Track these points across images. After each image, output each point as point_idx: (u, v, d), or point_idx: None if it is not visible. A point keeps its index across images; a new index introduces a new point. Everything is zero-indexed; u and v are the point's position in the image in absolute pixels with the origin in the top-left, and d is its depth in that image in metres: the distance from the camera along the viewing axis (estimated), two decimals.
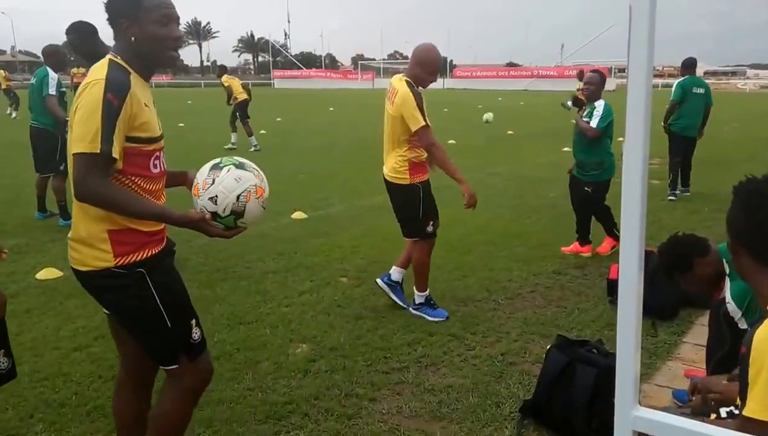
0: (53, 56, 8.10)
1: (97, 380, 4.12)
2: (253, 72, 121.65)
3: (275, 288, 5.87)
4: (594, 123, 6.65)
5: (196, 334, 2.71)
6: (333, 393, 3.93)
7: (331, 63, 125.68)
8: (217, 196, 2.53)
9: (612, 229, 6.95)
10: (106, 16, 2.54)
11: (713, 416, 2.31)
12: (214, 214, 2.55)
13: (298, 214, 8.80)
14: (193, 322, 2.72)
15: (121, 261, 2.48)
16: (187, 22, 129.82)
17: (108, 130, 2.31)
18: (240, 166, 2.62)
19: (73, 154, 2.33)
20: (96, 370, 4.24)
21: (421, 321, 4.94)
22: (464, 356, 4.45)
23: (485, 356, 4.41)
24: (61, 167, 7.99)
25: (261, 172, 2.69)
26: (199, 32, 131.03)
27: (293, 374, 4.19)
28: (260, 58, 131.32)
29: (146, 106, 2.51)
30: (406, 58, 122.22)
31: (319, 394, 3.92)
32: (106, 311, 2.75)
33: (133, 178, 2.49)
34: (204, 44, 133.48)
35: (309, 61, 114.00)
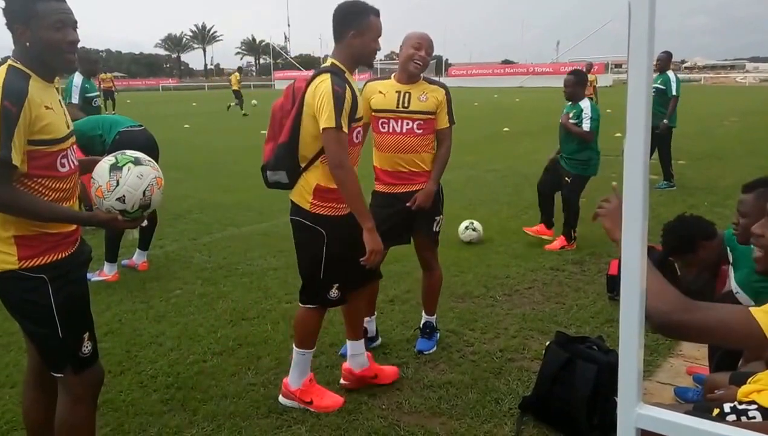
0: (85, 62, 7.92)
1: (105, 374, 4.12)
2: (254, 74, 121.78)
3: (276, 285, 5.90)
4: (586, 126, 6.81)
5: (86, 348, 2.71)
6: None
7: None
8: (124, 196, 2.65)
9: (570, 230, 7.04)
10: (3, 21, 2.54)
11: (716, 411, 2.34)
12: (123, 212, 2.66)
13: None
14: (86, 335, 2.72)
15: (26, 264, 2.50)
16: (192, 28, 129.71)
17: (6, 138, 2.32)
18: (137, 162, 2.72)
19: None
20: (104, 365, 4.18)
21: (419, 317, 4.95)
22: (463, 352, 4.47)
23: (484, 352, 4.44)
24: None
25: (154, 162, 2.79)
26: (204, 36, 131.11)
27: None
28: (262, 61, 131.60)
29: (48, 108, 2.51)
30: None
31: None
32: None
33: (40, 179, 2.51)
34: (207, 48, 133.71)
35: (308, 62, 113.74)
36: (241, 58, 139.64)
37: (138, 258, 6.48)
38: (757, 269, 2.26)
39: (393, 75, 4.39)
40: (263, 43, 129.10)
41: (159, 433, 3.51)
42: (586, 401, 3.35)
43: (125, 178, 2.64)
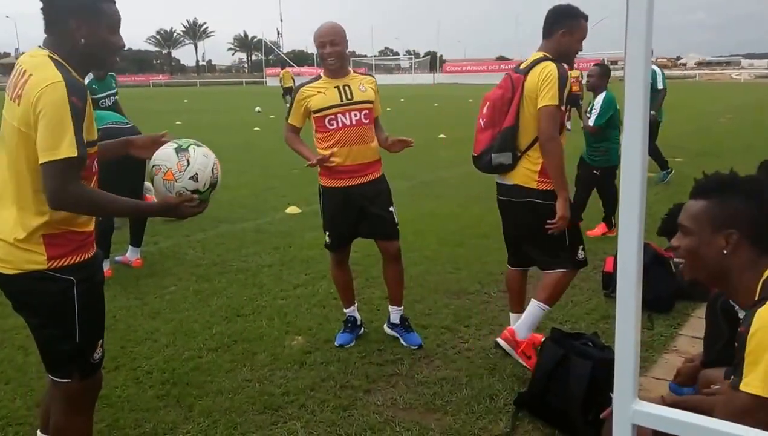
0: None
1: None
2: (246, 70, 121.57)
3: (271, 281, 5.90)
4: (592, 120, 7.11)
5: (97, 355, 2.68)
6: (328, 385, 3.97)
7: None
8: (197, 174, 2.67)
9: (610, 217, 7.35)
10: (43, 6, 2.46)
11: None
12: (195, 191, 2.66)
13: (292, 209, 8.82)
14: (100, 342, 2.69)
15: (54, 264, 2.46)
16: (184, 23, 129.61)
17: (79, 133, 2.30)
18: (197, 144, 2.78)
19: (48, 163, 2.27)
20: None
21: (413, 314, 4.96)
22: (458, 348, 4.48)
23: (479, 348, 4.45)
24: None
25: None
26: (196, 32, 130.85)
27: (289, 365, 4.22)
28: (254, 57, 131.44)
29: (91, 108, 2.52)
30: (396, 54, 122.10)
31: (314, 385, 3.96)
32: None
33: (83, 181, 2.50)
34: (199, 44, 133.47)
35: (301, 58, 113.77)
36: (233, 54, 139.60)
37: (131, 255, 6.46)
38: (686, 279, 2.30)
39: (321, 73, 4.45)
40: (255, 40, 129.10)
41: (154, 429, 3.51)
42: (581, 397, 3.36)
43: (194, 158, 2.68)
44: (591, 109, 7.21)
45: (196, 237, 7.39)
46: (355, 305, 4.75)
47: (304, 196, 9.62)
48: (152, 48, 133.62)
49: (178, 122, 23.16)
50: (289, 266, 6.35)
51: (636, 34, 0.89)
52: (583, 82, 19.56)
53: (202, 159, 2.71)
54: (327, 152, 4.32)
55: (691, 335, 4.56)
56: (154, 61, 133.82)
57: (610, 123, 7.04)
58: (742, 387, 1.84)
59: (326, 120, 4.32)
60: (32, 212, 2.42)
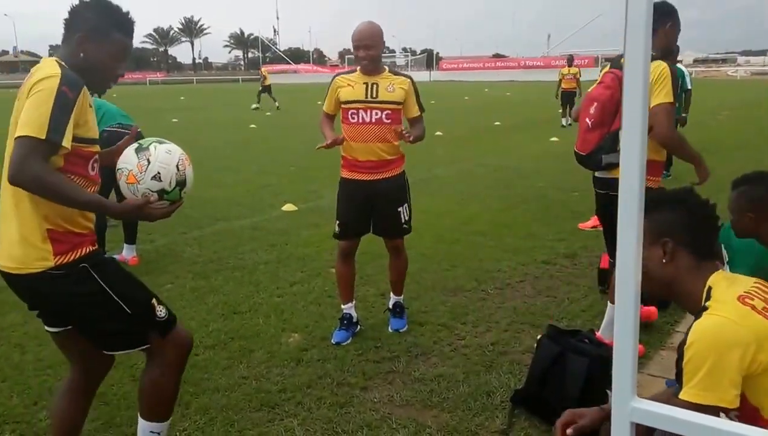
0: None
1: None
2: (243, 68, 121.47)
3: (267, 279, 5.90)
4: None
5: (161, 312, 2.67)
6: (325, 382, 3.97)
7: (319, 58, 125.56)
8: (159, 172, 2.56)
9: None
10: (66, 16, 2.58)
11: None
12: (161, 192, 2.58)
13: (288, 207, 8.82)
14: (154, 301, 2.68)
15: (62, 260, 2.46)
16: (181, 20, 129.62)
17: (59, 120, 2.32)
18: (160, 141, 2.69)
19: (17, 138, 2.30)
20: None
21: (410, 311, 4.97)
22: (454, 345, 4.48)
23: (475, 345, 4.45)
24: None
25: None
26: (192, 30, 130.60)
27: (286, 362, 4.22)
28: (250, 54, 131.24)
29: (90, 106, 2.54)
30: (392, 51, 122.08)
31: (311, 383, 3.96)
32: (42, 318, 2.72)
33: (71, 176, 2.49)
34: (196, 41, 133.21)
35: (297, 56, 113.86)
36: (230, 52, 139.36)
37: (127, 253, 6.45)
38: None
39: (358, 68, 4.52)
40: (252, 37, 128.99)
41: None
42: (578, 394, 3.36)
43: (155, 156, 2.58)
44: None
45: (193, 234, 7.38)
46: (353, 302, 4.75)
47: (301, 193, 9.62)
48: (149, 46, 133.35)
49: (174, 120, 23.15)
50: (285, 264, 6.35)
51: (635, 31, 0.89)
52: (581, 78, 19.73)
53: (164, 156, 2.61)
54: (349, 145, 4.48)
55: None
56: (151, 59, 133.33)
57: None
58: (682, 396, 1.93)
59: (349, 113, 4.46)
60: (35, 209, 2.43)
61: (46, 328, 2.76)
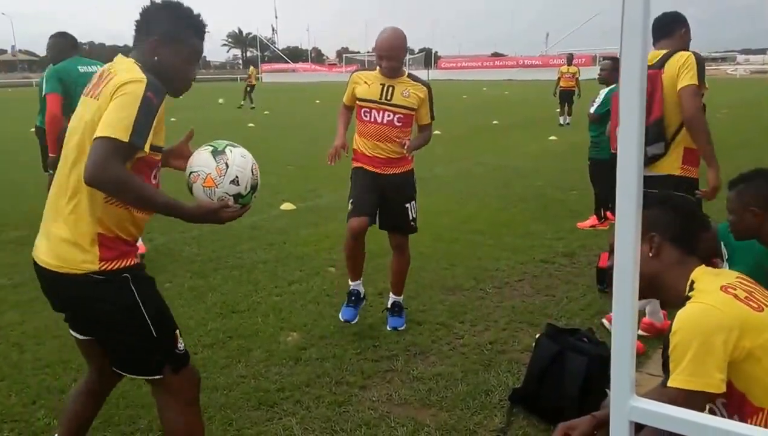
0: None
1: None
2: (241, 67, 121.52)
3: (266, 278, 5.90)
4: (593, 108, 7.36)
5: (181, 345, 2.64)
6: (324, 381, 3.97)
7: (317, 57, 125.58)
8: (237, 176, 2.57)
9: (599, 209, 7.50)
10: (138, 17, 2.58)
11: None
12: (237, 196, 2.58)
13: (287, 206, 8.82)
14: (177, 332, 2.65)
15: (106, 266, 2.43)
16: None
17: (143, 125, 2.29)
18: (233, 145, 2.68)
19: (98, 138, 2.26)
20: None
21: (408, 310, 4.97)
22: (453, 344, 4.48)
23: (474, 344, 4.45)
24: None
25: None
26: None
27: (285, 361, 4.22)
28: (248, 53, 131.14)
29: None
30: None
31: (310, 381, 3.96)
32: (69, 322, 2.70)
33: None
34: None
35: (295, 55, 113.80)
36: (228, 51, 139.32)
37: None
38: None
39: (378, 68, 4.58)
40: (250, 36, 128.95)
41: (149, 425, 3.50)
42: (577, 393, 3.37)
43: (232, 159, 2.58)
44: (596, 98, 7.39)
45: (191, 233, 7.37)
46: (361, 279, 4.84)
47: (300, 193, 9.62)
48: None
49: (173, 119, 22.96)
50: (284, 263, 6.35)
51: (632, 30, 0.89)
52: (579, 77, 19.74)
53: (240, 160, 2.61)
54: (360, 140, 4.65)
55: None
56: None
57: (608, 116, 7.09)
58: (669, 383, 1.97)
59: (362, 111, 4.59)
60: (91, 211, 2.41)
61: (72, 332, 2.74)
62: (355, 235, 4.60)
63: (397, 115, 4.50)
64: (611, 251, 4.49)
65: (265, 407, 3.68)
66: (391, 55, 4.42)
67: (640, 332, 4.39)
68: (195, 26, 2.63)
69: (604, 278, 5.32)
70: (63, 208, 2.44)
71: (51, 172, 7.89)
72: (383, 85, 4.50)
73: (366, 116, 4.57)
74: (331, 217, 8.14)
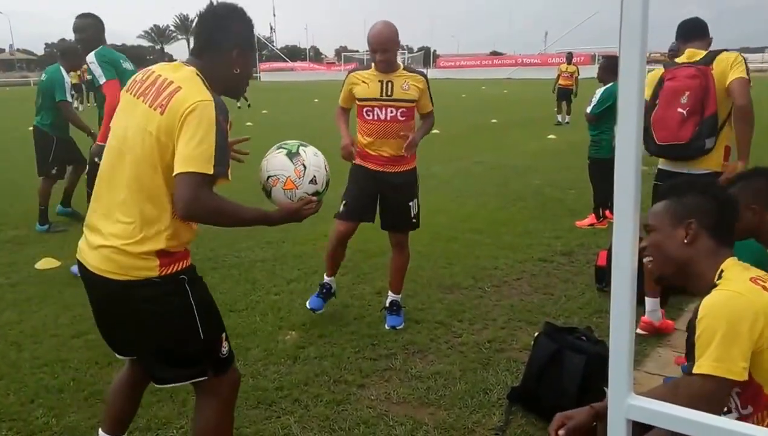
0: (70, 56, 7.71)
1: (93, 366, 4.17)
2: None
3: (264, 277, 5.90)
4: (589, 108, 7.37)
5: (224, 348, 2.65)
6: (322, 379, 3.97)
7: (316, 55, 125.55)
8: (315, 176, 2.67)
9: (598, 208, 7.50)
10: (205, 28, 2.53)
11: None
12: (315, 193, 2.67)
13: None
14: (223, 336, 2.66)
15: (165, 271, 2.43)
16: (176, 17, 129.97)
17: (222, 152, 2.31)
18: (303, 144, 2.77)
19: (185, 174, 2.27)
20: (93, 356, 4.27)
21: (407, 309, 4.97)
22: (451, 343, 4.48)
23: (472, 343, 4.45)
24: (53, 171, 7.71)
25: None
26: (188, 27, 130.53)
27: (283, 360, 4.22)
28: None
29: None
30: None
31: (308, 380, 3.96)
32: (112, 338, 2.72)
33: None
34: (192, 39, 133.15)
35: (294, 54, 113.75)
36: None
37: None
38: (653, 278, 2.45)
39: (373, 65, 4.56)
40: None
41: (148, 424, 3.50)
42: (575, 391, 3.36)
43: (308, 160, 2.67)
44: (592, 98, 7.41)
45: None
46: (334, 277, 4.95)
47: None
48: (145, 43, 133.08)
49: None
50: (282, 262, 6.34)
51: (631, 29, 0.89)
52: (579, 77, 19.76)
53: (314, 159, 2.68)
54: (363, 139, 4.63)
55: (684, 329, 4.55)
56: (148, 57, 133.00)
57: (606, 115, 7.15)
58: (695, 370, 1.97)
59: (364, 110, 4.58)
60: (157, 221, 2.40)
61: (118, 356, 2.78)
62: (340, 239, 4.75)
63: (400, 110, 4.51)
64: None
65: (263, 406, 3.68)
66: (385, 47, 4.40)
67: (639, 331, 4.40)
68: (254, 27, 2.65)
69: (603, 277, 5.32)
70: (121, 216, 2.41)
71: (97, 160, 7.87)
72: (382, 81, 4.49)
73: (368, 115, 4.56)
74: (329, 215, 8.10)
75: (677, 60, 4.53)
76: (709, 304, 2.02)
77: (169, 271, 2.44)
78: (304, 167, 2.64)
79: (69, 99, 7.45)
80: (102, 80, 5.54)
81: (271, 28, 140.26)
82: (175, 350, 2.55)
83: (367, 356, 4.28)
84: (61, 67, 7.41)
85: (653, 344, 4.38)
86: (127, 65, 5.77)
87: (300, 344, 4.47)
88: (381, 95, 4.49)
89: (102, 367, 4.13)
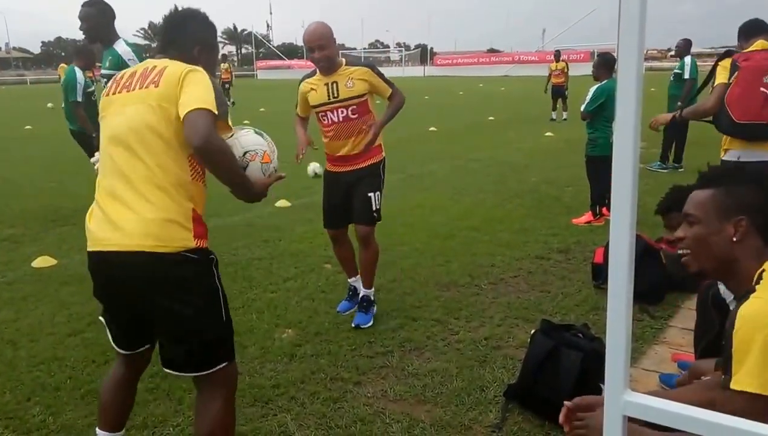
0: (84, 55, 7.68)
1: (90, 364, 4.16)
2: (236, 64, 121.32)
3: (261, 275, 5.89)
4: (582, 106, 7.39)
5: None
6: (319, 377, 3.96)
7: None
8: (275, 150, 2.90)
9: (594, 205, 7.53)
10: (169, 29, 2.81)
11: None
12: (274, 169, 2.89)
13: (282, 202, 8.82)
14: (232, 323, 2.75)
15: (199, 244, 2.51)
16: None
17: (220, 100, 2.52)
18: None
19: (195, 110, 2.40)
20: (89, 354, 4.27)
21: (403, 306, 4.97)
22: (448, 340, 4.48)
23: (469, 340, 4.45)
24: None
25: None
26: None
27: (279, 358, 4.22)
28: (243, 50, 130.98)
29: None
30: (387, 46, 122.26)
31: (305, 378, 3.95)
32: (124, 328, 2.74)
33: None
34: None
35: (291, 51, 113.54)
36: (222, 48, 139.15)
37: None
38: (690, 271, 2.27)
39: (317, 70, 4.63)
40: (245, 32, 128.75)
41: (144, 422, 3.49)
42: (571, 388, 3.36)
43: (268, 138, 2.91)
44: (587, 95, 7.44)
45: None
46: (357, 276, 4.99)
47: (294, 189, 9.59)
48: (141, 41, 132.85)
49: None
50: (278, 260, 6.34)
51: (629, 25, 0.88)
52: (568, 72, 19.82)
53: (269, 137, 2.92)
54: (325, 143, 4.72)
55: (681, 326, 4.57)
56: (144, 55, 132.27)
57: (600, 112, 7.16)
58: (733, 385, 1.84)
59: (319, 115, 4.65)
60: (184, 188, 2.51)
61: (118, 349, 2.80)
62: (334, 243, 4.98)
63: (350, 108, 4.53)
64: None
65: (259, 404, 3.67)
66: (321, 43, 4.43)
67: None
68: (216, 30, 2.98)
69: (600, 274, 5.33)
70: (152, 190, 2.47)
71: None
72: (327, 84, 4.53)
73: (324, 120, 4.63)
74: None
75: (745, 51, 4.59)
76: (745, 314, 1.88)
77: (202, 244, 2.52)
78: (270, 142, 2.88)
79: (80, 99, 7.48)
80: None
81: (268, 26, 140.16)
82: (197, 335, 2.56)
83: (364, 353, 4.28)
84: (76, 68, 7.44)
85: (649, 342, 4.38)
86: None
87: (296, 341, 4.46)
88: (329, 99, 4.53)
89: (99, 365, 4.13)
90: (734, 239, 2.07)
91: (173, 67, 2.56)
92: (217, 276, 2.61)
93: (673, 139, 11.04)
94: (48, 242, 7.09)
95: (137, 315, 2.66)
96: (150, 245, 2.42)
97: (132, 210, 2.46)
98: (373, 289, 4.89)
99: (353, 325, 4.68)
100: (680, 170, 10.75)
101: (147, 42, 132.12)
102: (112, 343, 2.80)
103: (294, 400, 3.71)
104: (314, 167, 9.90)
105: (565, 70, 19.67)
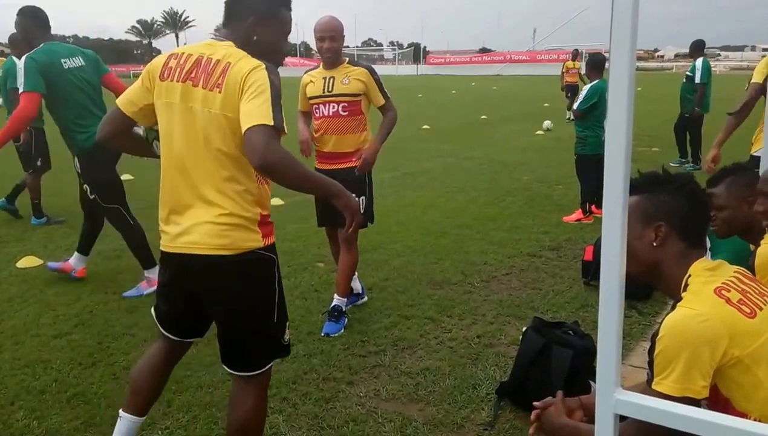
0: (17, 44, 7.62)
1: (76, 367, 4.10)
2: None
3: None
4: (576, 105, 7.51)
5: (287, 336, 2.71)
6: (311, 377, 3.94)
7: (306, 51, 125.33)
8: None
9: (584, 203, 7.58)
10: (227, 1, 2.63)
11: None
12: None
13: (275, 201, 8.76)
14: (287, 324, 2.72)
15: (267, 242, 2.54)
16: (164, 12, 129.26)
17: (277, 109, 2.39)
18: None
19: (253, 127, 2.33)
20: (75, 357, 4.22)
21: (396, 305, 4.96)
22: (440, 338, 4.47)
23: (461, 338, 4.44)
24: (38, 163, 7.71)
25: None
26: (176, 22, 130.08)
27: None
28: None
29: None
30: (380, 45, 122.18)
31: (297, 378, 3.93)
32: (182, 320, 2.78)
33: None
34: (180, 34, 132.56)
35: None
36: None
37: (77, 263, 5.73)
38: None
39: (321, 64, 4.65)
40: None
41: None
42: (562, 385, 3.36)
43: None
44: (580, 94, 7.55)
45: None
46: (355, 274, 4.96)
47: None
48: (132, 38, 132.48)
49: None
50: None
51: (621, 26, 0.88)
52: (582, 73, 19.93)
53: None
54: (315, 137, 4.66)
55: None
56: (135, 51, 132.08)
57: (592, 111, 7.22)
58: (654, 386, 1.94)
59: (313, 108, 4.62)
60: (248, 192, 2.51)
61: (165, 332, 2.84)
62: (329, 239, 5.00)
63: (341, 105, 4.51)
64: None
65: None
66: (334, 35, 4.44)
67: None
68: (284, 0, 2.69)
69: (589, 271, 5.34)
70: (216, 195, 2.48)
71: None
72: (325, 78, 4.54)
73: (316, 112, 4.60)
74: None
75: None
76: (671, 323, 1.96)
77: (267, 243, 2.56)
78: None
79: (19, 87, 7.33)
80: (21, 88, 5.00)
81: None
82: (251, 331, 2.60)
83: (356, 352, 4.26)
84: (14, 57, 7.33)
85: (638, 338, 4.39)
86: (74, 61, 5.22)
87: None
88: (323, 92, 4.52)
89: (85, 368, 4.07)
90: (654, 244, 2.13)
91: (235, 69, 2.44)
92: (276, 276, 2.62)
93: (685, 138, 11.22)
94: (33, 242, 7.00)
95: (198, 310, 2.70)
96: (219, 245, 2.47)
97: (197, 212, 2.51)
98: (345, 299, 4.75)
99: (323, 334, 4.55)
100: (698, 169, 10.72)
101: (138, 39, 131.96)
102: (160, 328, 2.84)
103: (286, 400, 3.68)
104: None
105: (579, 70, 19.78)
